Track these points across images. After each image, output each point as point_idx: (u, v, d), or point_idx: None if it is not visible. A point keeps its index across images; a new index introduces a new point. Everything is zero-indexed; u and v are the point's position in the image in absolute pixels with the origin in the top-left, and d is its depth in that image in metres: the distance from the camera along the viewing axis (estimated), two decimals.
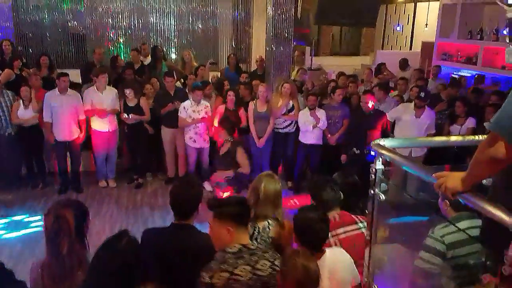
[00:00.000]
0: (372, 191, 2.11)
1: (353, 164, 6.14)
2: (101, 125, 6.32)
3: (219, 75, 8.12)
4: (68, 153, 6.35)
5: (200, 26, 10.32)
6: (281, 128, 6.59)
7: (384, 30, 13.07)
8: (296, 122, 6.54)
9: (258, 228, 2.67)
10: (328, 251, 2.40)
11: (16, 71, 6.81)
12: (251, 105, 6.42)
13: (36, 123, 6.14)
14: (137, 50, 7.90)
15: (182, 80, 7.58)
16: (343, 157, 6.26)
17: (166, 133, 6.61)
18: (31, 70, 7.00)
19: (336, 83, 7.31)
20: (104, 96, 6.27)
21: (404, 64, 9.29)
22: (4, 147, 6.12)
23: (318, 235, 2.37)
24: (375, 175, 2.08)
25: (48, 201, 5.99)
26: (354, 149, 6.08)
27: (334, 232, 2.64)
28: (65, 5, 9.61)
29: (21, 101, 6.01)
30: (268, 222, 2.70)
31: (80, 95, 6.34)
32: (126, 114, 6.32)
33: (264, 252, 2.24)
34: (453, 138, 2.21)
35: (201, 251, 2.34)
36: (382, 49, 12.79)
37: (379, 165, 2.07)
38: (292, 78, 7.68)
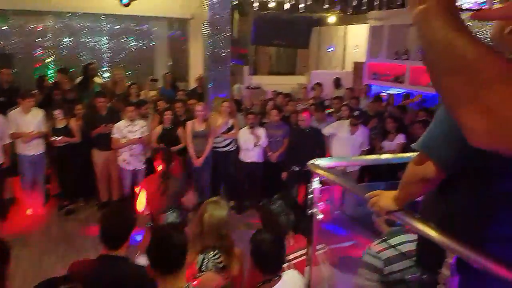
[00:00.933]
0: (310, 211, 2.10)
1: (294, 181, 6.24)
2: (27, 149, 5.91)
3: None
4: None
5: (135, 44, 10.10)
6: (221, 147, 6.53)
7: (318, 51, 13.54)
8: (237, 140, 6.51)
9: (208, 254, 2.57)
10: (285, 274, 2.36)
11: None
12: (189, 124, 6.33)
13: None
14: (64, 69, 7.53)
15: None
16: (284, 175, 6.32)
17: (98, 156, 6.31)
18: None
19: (274, 102, 7.41)
20: (30, 118, 5.89)
21: (337, 83, 9.68)
22: None
23: (276, 258, 2.32)
24: (312, 195, 2.08)
25: None
26: (294, 166, 6.16)
27: (289, 256, 2.59)
28: None
29: None
30: (218, 250, 2.61)
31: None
32: (55, 137, 5.97)
33: None
34: (383, 156, 2.27)
35: (130, 284, 2.19)
36: (317, 69, 13.24)
37: (315, 184, 2.07)
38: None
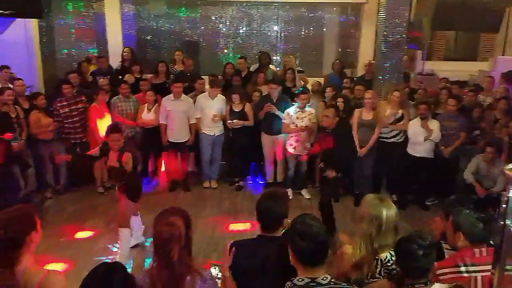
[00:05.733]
0: (501, 222, 1.84)
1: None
2: (209, 130, 6.60)
3: (323, 81, 7.98)
4: (179, 154, 6.71)
5: (306, 31, 10.26)
6: (387, 138, 6.26)
7: (506, 35, 11.79)
8: (405, 132, 6.16)
9: (380, 259, 2.47)
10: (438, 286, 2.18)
11: (136, 75, 7.40)
12: (357, 112, 6.20)
13: (157, 126, 6.56)
14: (244, 57, 8.09)
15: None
16: None
17: (266, 139, 6.68)
18: (149, 76, 7.54)
19: (450, 91, 6.74)
20: (213, 103, 6.56)
21: None
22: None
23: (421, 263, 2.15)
24: (506, 204, 1.82)
25: (159, 199, 6.39)
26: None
27: (478, 267, 2.36)
28: (181, 13, 10.21)
29: (146, 104, 6.52)
30: (390, 253, 2.48)
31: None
32: (231, 119, 6.50)
33: None
34: None
35: (284, 264, 2.25)
36: (503, 54, 11.56)
37: None
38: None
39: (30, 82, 7.56)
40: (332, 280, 2.05)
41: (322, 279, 2.03)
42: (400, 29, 6.56)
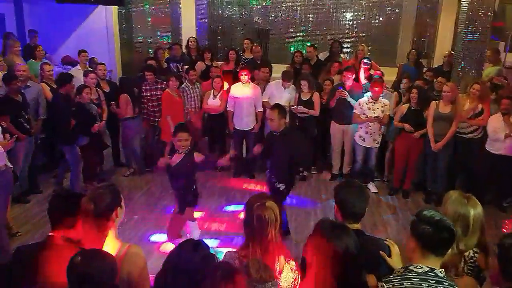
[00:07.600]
0: None
1: None
2: None
3: (396, 71, 7.69)
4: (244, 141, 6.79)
5: (380, 19, 9.90)
6: (464, 134, 5.93)
7: None
8: (485, 128, 5.79)
9: (464, 257, 2.41)
10: None
11: (207, 62, 7.57)
12: (433, 104, 5.92)
13: (222, 112, 6.69)
14: (314, 46, 7.99)
15: None
16: None
17: (335, 128, 6.59)
18: (219, 63, 7.67)
19: None
20: (284, 92, 6.57)
21: None
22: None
23: None
24: None
25: (225, 184, 6.50)
26: None
27: None
28: (253, 1, 10.25)
29: (212, 91, 6.65)
30: (473, 250, 2.41)
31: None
32: (296, 106, 6.46)
33: (451, 286, 2.01)
34: None
35: (366, 255, 2.21)
36: None
37: None
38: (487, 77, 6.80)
39: (110, 67, 8.01)
40: (445, 276, 2.03)
41: (440, 272, 2.01)
42: (484, 18, 6.13)
